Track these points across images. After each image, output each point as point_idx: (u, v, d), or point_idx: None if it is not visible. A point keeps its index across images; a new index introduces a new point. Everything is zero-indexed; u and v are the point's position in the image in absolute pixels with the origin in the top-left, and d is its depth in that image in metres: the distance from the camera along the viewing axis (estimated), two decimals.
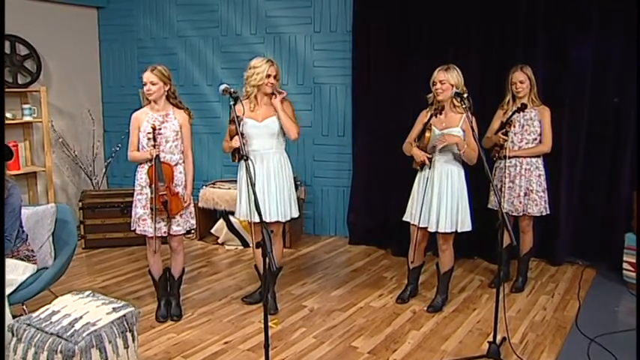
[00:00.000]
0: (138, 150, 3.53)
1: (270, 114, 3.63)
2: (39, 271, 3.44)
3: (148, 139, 3.43)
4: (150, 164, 3.44)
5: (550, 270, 4.63)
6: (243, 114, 3.58)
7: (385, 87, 5.08)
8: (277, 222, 3.68)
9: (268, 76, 3.56)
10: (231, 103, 3.04)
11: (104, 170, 6.15)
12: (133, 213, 3.59)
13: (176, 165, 3.53)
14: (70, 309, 2.69)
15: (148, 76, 3.44)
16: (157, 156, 3.42)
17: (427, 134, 3.56)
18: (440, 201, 3.59)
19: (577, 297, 4.05)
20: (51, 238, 3.60)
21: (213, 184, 5.50)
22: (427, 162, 3.60)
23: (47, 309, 2.72)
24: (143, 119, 3.51)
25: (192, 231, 5.15)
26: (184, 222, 3.60)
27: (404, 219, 3.82)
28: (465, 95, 3.32)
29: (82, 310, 2.68)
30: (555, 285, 4.30)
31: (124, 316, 2.70)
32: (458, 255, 3.94)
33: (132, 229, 3.62)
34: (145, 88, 3.46)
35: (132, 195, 3.62)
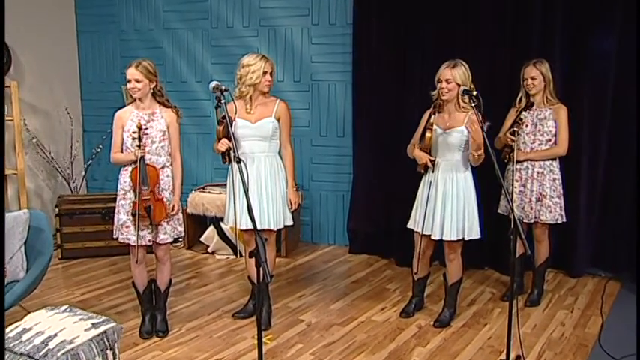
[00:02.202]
0: (122, 151, 3.51)
1: (264, 115, 3.64)
2: (9, 284, 3.39)
3: (133, 139, 3.41)
4: (134, 166, 3.42)
5: (569, 282, 4.60)
6: (235, 114, 3.57)
7: (388, 84, 5.06)
8: (269, 230, 3.68)
9: (265, 73, 3.58)
10: (223, 101, 3.03)
11: (84, 173, 6.10)
12: (115, 220, 3.56)
13: (162, 168, 3.52)
14: (44, 326, 2.64)
15: (132, 72, 3.41)
16: (142, 158, 3.40)
17: (428, 135, 3.56)
18: (444, 206, 3.58)
19: (599, 312, 4.00)
20: (23, 248, 3.56)
21: (203, 188, 5.48)
22: (430, 164, 3.59)
23: (17, 326, 2.66)
24: (127, 118, 3.49)
25: (180, 239, 5.12)
26: (171, 229, 3.58)
27: (408, 226, 3.81)
28: (475, 93, 3.30)
29: (57, 326, 2.63)
30: (575, 298, 4.27)
31: (105, 332, 2.65)
32: (467, 265, 3.93)
33: (114, 237, 3.59)
34: (129, 86, 3.44)
35: (114, 200, 3.60)
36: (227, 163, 3.62)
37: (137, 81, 3.41)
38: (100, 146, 5.84)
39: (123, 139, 3.49)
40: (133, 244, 3.47)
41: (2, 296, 2.89)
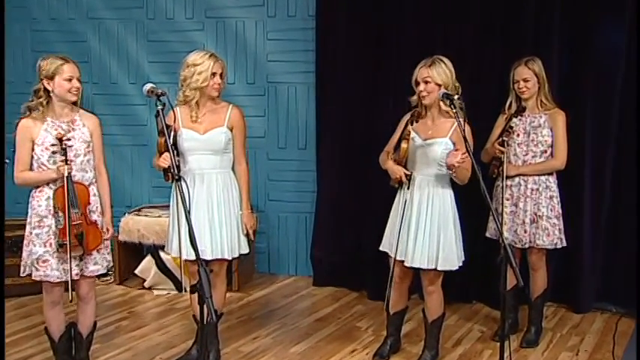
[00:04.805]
0: (31, 169, 3.39)
1: (215, 124, 3.63)
2: None
3: (54, 152, 3.32)
4: (58, 185, 3.33)
5: (572, 319, 4.60)
6: (175, 122, 3.51)
7: (358, 87, 5.07)
8: (222, 259, 3.66)
9: (213, 74, 3.57)
10: (160, 107, 2.99)
11: None
12: (25, 253, 3.42)
13: (89, 185, 3.45)
14: None
15: (73, 69, 3.36)
16: (69, 175, 3.31)
17: (404, 145, 3.55)
18: (417, 230, 3.58)
19: (611, 355, 4.00)
20: None
21: (139, 210, 5.42)
22: (405, 180, 3.58)
23: None
24: (39, 128, 3.38)
25: (110, 272, 4.99)
26: (101, 259, 3.50)
27: (381, 248, 3.81)
28: (456, 97, 3.31)
29: None
30: (580, 339, 4.27)
31: None
32: (452, 298, 3.97)
33: (23, 274, 3.44)
34: (70, 86, 3.35)
35: (24, 227, 3.47)
36: (170, 180, 3.55)
37: (79, 80, 3.38)
38: (6, 161, 5.66)
39: (32, 155, 3.38)
40: (57, 280, 3.36)
41: (2, 296, 2.91)
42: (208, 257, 3.55)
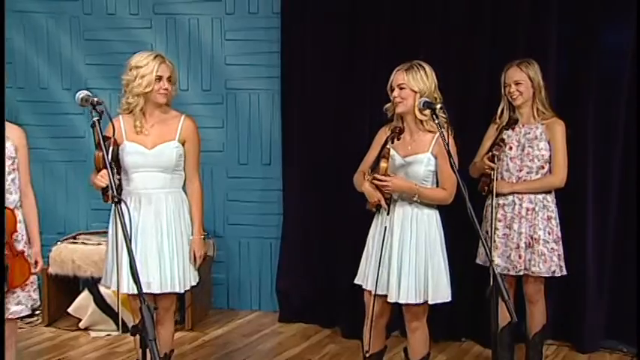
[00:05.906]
0: None
1: (165, 137, 3.60)
2: None
3: None
4: None
5: (577, 359, 4.60)
6: (115, 133, 3.45)
7: (329, 94, 5.08)
8: (170, 293, 3.63)
9: (159, 78, 3.53)
10: (95, 118, 2.91)
11: None
12: None
13: (14, 210, 3.42)
14: None
15: None
16: None
17: (383, 164, 3.52)
18: (401, 259, 3.55)
19: None
20: None
21: (74, 237, 5.34)
22: (384, 203, 3.55)
23: None
24: None
25: (37, 312, 4.84)
26: (26, 297, 3.47)
27: (356, 281, 3.76)
28: (439, 107, 3.29)
29: None
30: None
31: None
32: (437, 335, 4.04)
33: None
34: None
35: None
36: (109, 201, 3.44)
37: None
38: None
39: None
40: None
41: (2, 297, 3.10)
42: (157, 290, 3.51)
